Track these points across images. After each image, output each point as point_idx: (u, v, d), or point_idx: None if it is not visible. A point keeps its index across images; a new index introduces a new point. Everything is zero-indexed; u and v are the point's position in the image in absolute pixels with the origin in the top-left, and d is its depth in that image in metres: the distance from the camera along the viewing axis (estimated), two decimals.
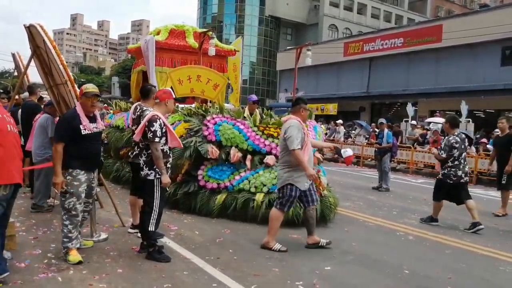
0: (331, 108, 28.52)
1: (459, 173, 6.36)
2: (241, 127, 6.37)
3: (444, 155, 6.37)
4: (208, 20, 52.29)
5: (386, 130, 10.31)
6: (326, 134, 17.83)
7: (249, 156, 6.24)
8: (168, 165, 4.36)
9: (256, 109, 7.28)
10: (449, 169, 6.39)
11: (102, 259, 4.11)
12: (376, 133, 11.97)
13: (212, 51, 10.06)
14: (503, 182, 7.61)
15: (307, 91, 30.63)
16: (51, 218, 5.53)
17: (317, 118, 22.71)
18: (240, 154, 6.22)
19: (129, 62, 47.89)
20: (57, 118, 5.49)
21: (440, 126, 15.00)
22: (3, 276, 3.42)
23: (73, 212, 4.01)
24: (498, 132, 9.14)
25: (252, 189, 5.94)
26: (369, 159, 16.17)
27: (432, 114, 22.06)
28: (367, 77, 29.22)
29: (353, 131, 20.77)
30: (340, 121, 20.73)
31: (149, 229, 4.18)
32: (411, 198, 9.31)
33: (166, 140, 4.31)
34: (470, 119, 17.52)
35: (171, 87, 7.09)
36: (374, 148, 11.84)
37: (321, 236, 5.02)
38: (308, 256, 4.62)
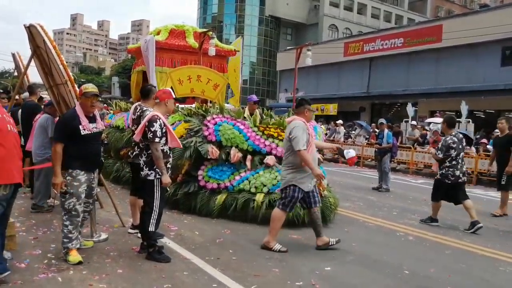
0: (331, 108, 28.50)
1: (457, 173, 6.37)
2: (241, 127, 6.37)
3: (441, 156, 6.39)
4: (208, 20, 52.30)
5: (386, 131, 10.31)
6: (326, 134, 17.80)
7: (249, 157, 6.24)
8: (168, 165, 4.36)
9: (256, 109, 7.28)
10: (447, 169, 6.40)
11: (102, 259, 4.11)
12: (376, 134, 11.97)
13: (212, 51, 10.07)
14: (503, 182, 7.61)
15: (307, 91, 30.64)
16: (51, 218, 5.53)
17: (317, 118, 22.72)
18: (240, 155, 6.22)
19: (129, 62, 47.90)
20: (57, 118, 5.49)
21: (440, 126, 14.99)
22: (4, 275, 3.43)
23: (73, 213, 4.00)
24: (498, 132, 9.14)
25: (252, 190, 5.94)
26: (369, 160, 16.16)
27: (432, 114, 22.05)
28: (367, 77, 29.23)
29: (353, 132, 20.77)
30: (340, 121, 20.72)
31: (149, 230, 4.18)
32: (411, 198, 9.31)
33: (166, 140, 4.31)
34: (470, 120, 17.53)
35: (171, 87, 7.08)
36: (374, 148, 11.83)
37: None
38: (308, 257, 4.62)
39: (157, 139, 4.10)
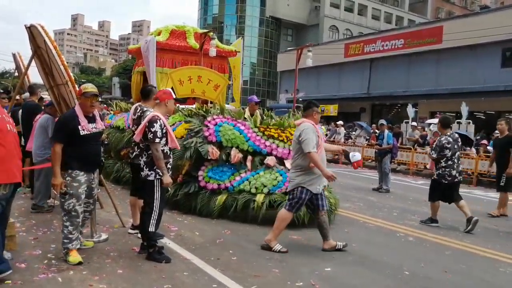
0: (332, 109, 28.51)
1: (453, 172, 6.41)
2: (242, 128, 6.37)
3: (434, 155, 6.46)
4: (208, 21, 52.32)
5: (386, 131, 10.32)
6: (326, 135, 17.81)
7: (249, 157, 6.24)
8: (169, 166, 4.36)
9: (257, 110, 7.28)
10: (443, 169, 6.43)
11: (102, 260, 4.11)
12: (377, 134, 11.97)
13: (213, 52, 10.08)
14: (502, 183, 7.62)
15: (308, 92, 30.64)
16: (51, 219, 5.53)
17: None
18: (240, 155, 6.22)
19: (130, 63, 47.88)
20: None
21: None
22: (7, 273, 3.44)
23: (73, 214, 3.99)
24: (498, 133, 9.14)
25: (253, 190, 5.94)
26: (369, 160, 16.16)
27: (432, 115, 22.07)
28: (368, 78, 29.24)
29: (354, 132, 20.78)
30: (340, 122, 20.72)
31: (149, 230, 4.17)
32: (411, 199, 9.31)
33: (167, 140, 4.30)
34: (470, 121, 17.51)
35: (172, 88, 7.09)
36: (375, 149, 11.82)
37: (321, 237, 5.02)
38: (308, 257, 4.62)
39: (157, 140, 4.10)
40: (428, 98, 24.32)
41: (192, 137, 6.40)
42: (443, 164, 6.43)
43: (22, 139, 6.27)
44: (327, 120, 26.41)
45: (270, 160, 6.15)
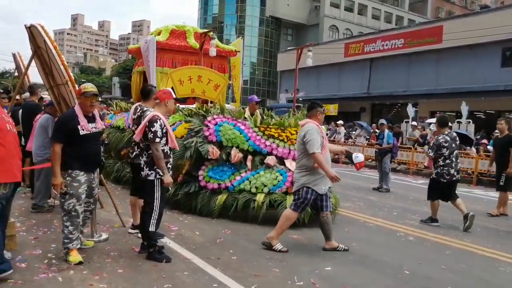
0: (332, 109, 28.49)
1: (452, 171, 6.43)
2: (242, 127, 6.37)
3: (431, 154, 6.49)
4: (209, 20, 52.33)
5: (386, 131, 10.33)
6: (326, 135, 17.81)
7: (249, 157, 6.24)
8: (169, 166, 4.36)
9: (257, 110, 7.29)
10: (441, 168, 6.45)
11: (102, 259, 4.12)
12: (377, 134, 11.97)
13: (213, 52, 10.08)
14: (501, 183, 7.62)
15: (308, 91, 30.67)
16: (52, 218, 5.53)
17: None
18: (241, 155, 6.22)
19: (130, 63, 47.92)
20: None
21: None
22: (8, 273, 3.45)
23: (73, 213, 3.99)
24: (498, 133, 9.15)
25: (253, 190, 5.94)
26: (369, 160, 16.15)
27: (432, 115, 22.05)
28: (368, 78, 29.24)
29: (354, 132, 20.78)
30: (340, 121, 20.74)
31: (150, 230, 4.18)
32: (412, 199, 9.31)
33: (167, 140, 4.30)
34: (470, 120, 17.52)
35: (172, 88, 7.09)
36: (375, 149, 11.83)
37: (321, 236, 5.02)
38: (308, 257, 4.63)
39: (157, 139, 4.10)
40: (428, 97, 24.31)
41: (192, 136, 6.40)
42: (441, 163, 6.44)
43: (22, 139, 6.28)
44: (327, 119, 26.33)
45: (270, 160, 6.15)
